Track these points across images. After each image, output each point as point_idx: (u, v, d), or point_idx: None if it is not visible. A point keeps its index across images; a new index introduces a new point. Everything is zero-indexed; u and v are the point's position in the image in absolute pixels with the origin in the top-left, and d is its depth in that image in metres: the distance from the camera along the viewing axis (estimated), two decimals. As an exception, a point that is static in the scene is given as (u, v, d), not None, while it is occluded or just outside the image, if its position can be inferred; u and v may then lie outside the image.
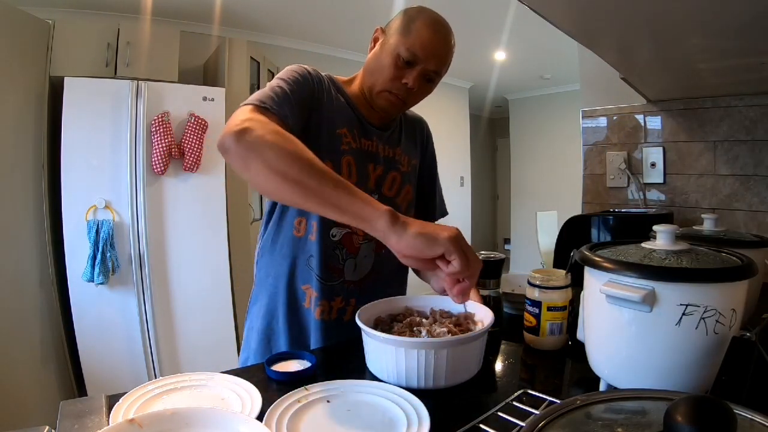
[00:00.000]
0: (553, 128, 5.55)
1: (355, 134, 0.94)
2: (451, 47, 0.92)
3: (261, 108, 0.78)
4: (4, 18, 2.15)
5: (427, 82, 0.92)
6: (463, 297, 0.69)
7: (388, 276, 1.01)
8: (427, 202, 1.13)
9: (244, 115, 0.74)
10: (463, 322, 0.78)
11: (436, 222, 1.15)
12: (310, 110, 0.88)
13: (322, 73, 0.96)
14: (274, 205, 0.98)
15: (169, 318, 2.55)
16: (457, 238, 0.66)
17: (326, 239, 0.92)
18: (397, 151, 1.01)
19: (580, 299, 0.71)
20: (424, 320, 0.78)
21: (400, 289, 1.07)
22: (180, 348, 2.59)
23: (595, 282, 0.60)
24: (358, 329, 0.72)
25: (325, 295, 0.93)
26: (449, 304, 0.85)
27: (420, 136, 1.10)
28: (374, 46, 0.94)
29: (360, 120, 0.96)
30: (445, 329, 0.73)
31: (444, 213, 1.16)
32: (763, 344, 0.55)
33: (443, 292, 0.89)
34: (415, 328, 0.75)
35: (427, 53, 0.87)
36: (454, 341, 0.67)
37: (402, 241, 0.65)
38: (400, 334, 0.73)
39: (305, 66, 0.92)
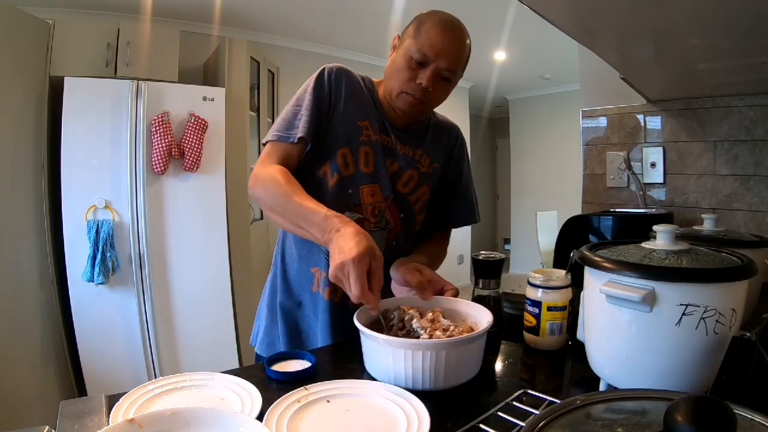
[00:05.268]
0: (553, 128, 5.55)
1: (375, 128, 0.99)
2: (464, 45, 0.94)
3: (273, 144, 0.95)
4: (4, 18, 2.14)
5: (443, 81, 0.94)
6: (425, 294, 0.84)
7: None
8: (446, 207, 1.14)
9: (258, 163, 0.94)
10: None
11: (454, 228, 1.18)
12: (331, 108, 0.97)
13: (358, 74, 1.02)
14: None
15: (169, 318, 2.55)
16: (339, 266, 0.72)
17: None
18: (418, 152, 1.04)
19: (580, 299, 0.70)
20: (415, 322, 0.77)
21: None
22: (180, 348, 2.58)
23: (595, 282, 0.60)
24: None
25: None
26: (449, 304, 0.85)
27: (447, 141, 1.11)
28: (392, 52, 0.99)
29: (381, 118, 1.01)
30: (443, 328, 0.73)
31: (466, 222, 1.17)
32: (763, 344, 0.55)
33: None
34: (413, 328, 0.75)
35: (437, 52, 0.90)
36: (452, 343, 0.67)
37: None
38: (395, 334, 0.73)
39: (326, 69, 0.98)
